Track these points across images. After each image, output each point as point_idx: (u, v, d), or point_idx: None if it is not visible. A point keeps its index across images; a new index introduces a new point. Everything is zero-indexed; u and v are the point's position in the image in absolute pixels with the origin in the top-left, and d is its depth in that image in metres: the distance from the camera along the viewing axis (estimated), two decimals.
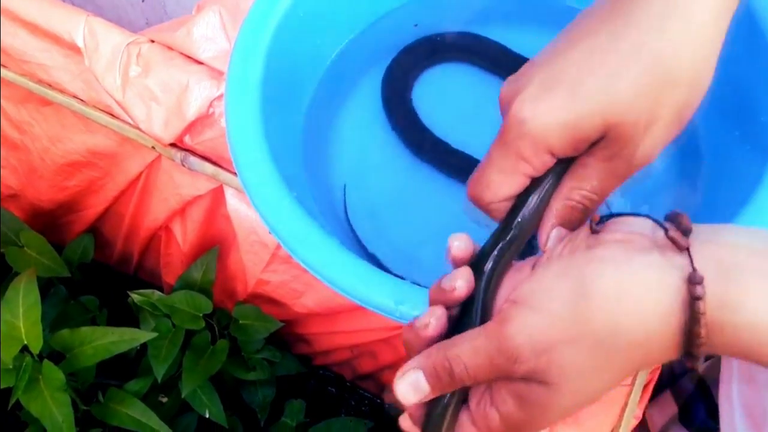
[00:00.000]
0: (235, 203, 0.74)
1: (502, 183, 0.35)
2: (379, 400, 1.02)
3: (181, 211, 0.80)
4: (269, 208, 0.54)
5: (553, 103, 0.32)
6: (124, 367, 0.86)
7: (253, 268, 0.79)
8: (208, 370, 0.80)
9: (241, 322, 0.82)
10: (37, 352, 0.70)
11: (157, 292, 0.79)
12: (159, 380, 0.77)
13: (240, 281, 0.83)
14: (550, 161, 0.34)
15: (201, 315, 0.80)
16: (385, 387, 0.99)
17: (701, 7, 0.31)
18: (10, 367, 0.71)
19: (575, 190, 0.35)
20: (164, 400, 0.84)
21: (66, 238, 0.95)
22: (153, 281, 1.02)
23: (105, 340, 0.73)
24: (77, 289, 0.91)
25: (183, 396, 0.83)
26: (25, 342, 0.70)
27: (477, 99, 0.72)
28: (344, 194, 0.68)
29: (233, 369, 0.86)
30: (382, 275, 0.52)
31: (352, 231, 0.66)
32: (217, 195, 0.76)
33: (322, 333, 0.91)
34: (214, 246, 0.82)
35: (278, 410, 0.97)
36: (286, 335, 0.95)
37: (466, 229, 0.37)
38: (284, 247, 0.53)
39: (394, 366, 0.91)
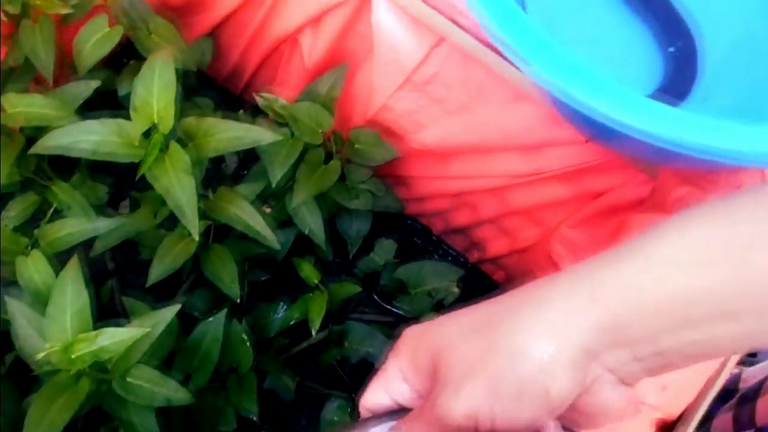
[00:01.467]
0: (381, 15, 0.71)
1: None
2: (463, 259, 1.03)
3: (317, 21, 0.78)
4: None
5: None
6: None
7: (381, 91, 0.77)
8: (318, 186, 0.80)
9: (356, 146, 0.81)
10: (167, 132, 0.70)
11: (281, 99, 0.78)
12: (273, 185, 0.77)
13: (361, 105, 0.82)
14: None
15: (320, 131, 0.79)
16: (475, 245, 0.99)
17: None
18: (136, 144, 0.71)
19: None
20: (268, 210, 0.85)
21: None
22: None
23: (230, 134, 0.72)
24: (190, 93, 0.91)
25: (288, 209, 0.84)
26: (156, 121, 0.70)
27: None
28: None
29: (337, 194, 0.86)
30: None
31: None
32: (362, 5, 0.73)
33: (427, 177, 0.90)
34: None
35: (365, 248, 0.98)
36: (384, 176, 0.95)
37: None
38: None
39: (493, 222, 0.91)
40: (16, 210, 0.79)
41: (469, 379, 0.32)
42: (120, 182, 0.97)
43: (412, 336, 0.37)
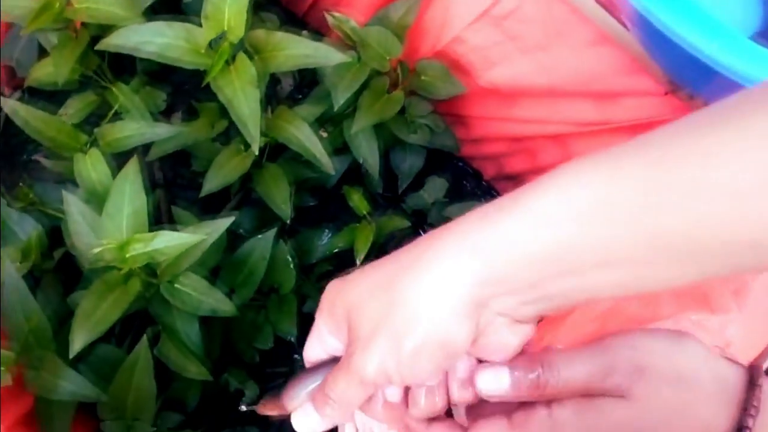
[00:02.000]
0: None
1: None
2: None
3: None
4: None
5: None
6: None
7: (455, 21, 0.75)
8: (380, 115, 0.78)
9: (423, 77, 0.79)
10: (236, 41, 0.68)
11: (352, 21, 0.76)
12: (336, 108, 0.75)
13: (432, 36, 0.80)
14: None
15: (388, 58, 0.77)
16: None
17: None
18: (203, 51, 0.70)
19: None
20: (325, 135, 0.83)
21: None
22: (320, 31, 0.98)
23: (299, 51, 0.71)
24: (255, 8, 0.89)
25: (346, 136, 0.83)
26: (226, 29, 0.69)
27: None
28: None
29: (396, 126, 0.84)
30: None
31: None
32: None
33: (488, 117, 0.87)
34: None
35: (413, 185, 0.97)
36: (443, 114, 0.92)
37: None
38: None
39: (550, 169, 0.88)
40: (75, 108, 0.78)
41: (374, 338, 0.34)
42: (174, 93, 0.96)
43: (332, 291, 0.38)
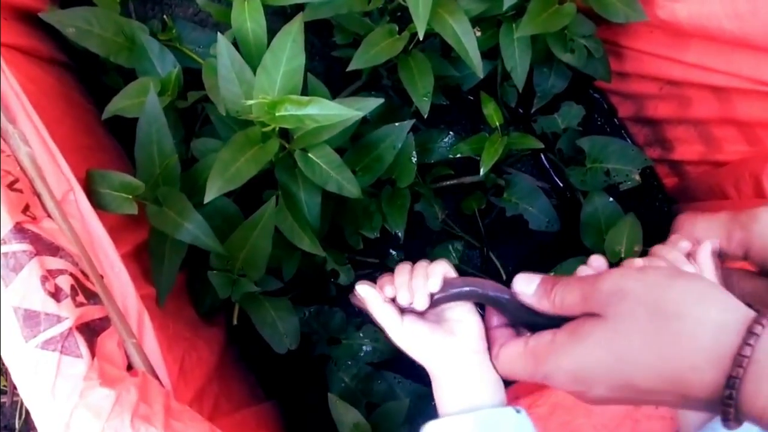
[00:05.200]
0: None
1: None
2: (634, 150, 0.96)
3: None
4: None
5: None
6: None
7: None
8: (545, 25, 0.74)
9: None
10: None
11: None
12: (505, 7, 0.71)
13: None
14: None
15: None
16: (660, 142, 0.92)
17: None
18: None
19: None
20: (478, 34, 0.79)
21: None
22: None
23: None
24: None
25: (501, 40, 0.78)
26: None
27: None
28: None
29: (554, 41, 0.80)
30: None
31: None
32: None
33: (653, 54, 0.81)
34: None
35: (543, 108, 0.93)
36: (601, 40, 0.87)
37: None
38: None
39: (699, 124, 0.83)
40: None
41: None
42: None
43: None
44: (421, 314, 0.52)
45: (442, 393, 0.51)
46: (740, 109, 0.76)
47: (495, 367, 0.48)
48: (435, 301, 0.51)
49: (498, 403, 0.50)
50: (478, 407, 0.49)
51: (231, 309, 0.77)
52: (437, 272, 0.51)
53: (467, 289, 0.51)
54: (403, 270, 0.53)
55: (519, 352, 0.45)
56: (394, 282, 0.53)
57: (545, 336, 0.43)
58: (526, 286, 0.46)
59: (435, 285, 0.51)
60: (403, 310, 0.52)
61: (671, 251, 0.55)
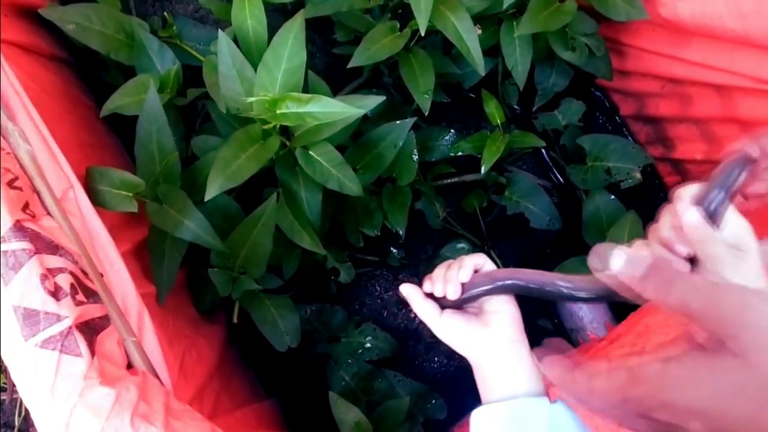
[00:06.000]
0: None
1: None
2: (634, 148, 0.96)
3: None
4: None
5: None
6: None
7: None
8: (545, 23, 0.74)
9: None
10: None
11: None
12: (505, 5, 0.71)
13: None
14: None
15: None
16: (662, 140, 0.92)
17: None
18: None
19: None
20: (479, 32, 0.79)
21: None
22: None
23: None
24: None
25: (501, 38, 0.78)
26: None
27: None
28: None
29: (555, 39, 0.79)
30: None
31: None
32: None
33: (655, 52, 0.81)
34: None
35: (543, 105, 0.92)
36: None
37: None
38: None
39: (700, 122, 0.83)
40: None
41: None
42: None
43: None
44: (460, 308, 0.54)
45: (483, 382, 0.52)
46: (742, 108, 0.75)
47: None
48: (468, 295, 0.52)
49: (536, 391, 0.50)
50: (514, 395, 0.49)
51: (231, 307, 0.77)
52: (468, 264, 0.52)
53: (508, 282, 0.51)
54: (442, 265, 0.55)
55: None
56: (432, 276, 0.54)
57: (652, 365, 0.32)
58: (631, 267, 0.34)
59: (465, 275, 0.52)
60: (443, 306, 0.54)
61: (663, 230, 0.49)
